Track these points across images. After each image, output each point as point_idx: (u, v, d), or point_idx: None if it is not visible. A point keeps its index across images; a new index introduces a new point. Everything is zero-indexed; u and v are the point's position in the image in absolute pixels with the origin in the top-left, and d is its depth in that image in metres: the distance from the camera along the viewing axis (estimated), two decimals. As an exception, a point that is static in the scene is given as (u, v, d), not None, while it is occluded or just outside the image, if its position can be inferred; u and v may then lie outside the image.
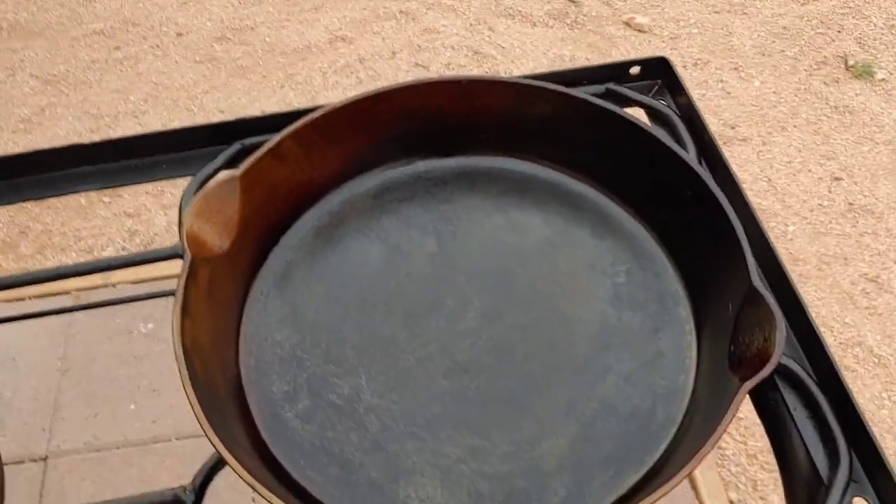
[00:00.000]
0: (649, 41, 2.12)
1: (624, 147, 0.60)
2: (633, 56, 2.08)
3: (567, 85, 0.66)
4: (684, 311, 0.56)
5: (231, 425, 0.50)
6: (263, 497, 0.43)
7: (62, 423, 1.50)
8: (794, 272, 1.69)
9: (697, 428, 0.50)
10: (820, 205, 1.80)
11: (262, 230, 0.59)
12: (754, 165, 1.86)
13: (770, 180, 1.84)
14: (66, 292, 1.65)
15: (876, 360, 1.57)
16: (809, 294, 1.66)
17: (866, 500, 0.50)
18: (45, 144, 1.95)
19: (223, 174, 0.56)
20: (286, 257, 0.60)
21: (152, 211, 1.80)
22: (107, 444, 1.46)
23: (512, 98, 0.62)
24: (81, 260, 1.74)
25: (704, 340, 0.54)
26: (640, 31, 2.15)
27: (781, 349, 0.46)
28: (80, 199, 1.87)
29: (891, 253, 1.70)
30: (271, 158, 0.58)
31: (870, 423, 0.51)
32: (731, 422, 0.45)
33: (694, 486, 1.40)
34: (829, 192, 1.81)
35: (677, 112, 0.71)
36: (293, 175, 0.60)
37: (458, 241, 0.60)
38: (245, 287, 0.58)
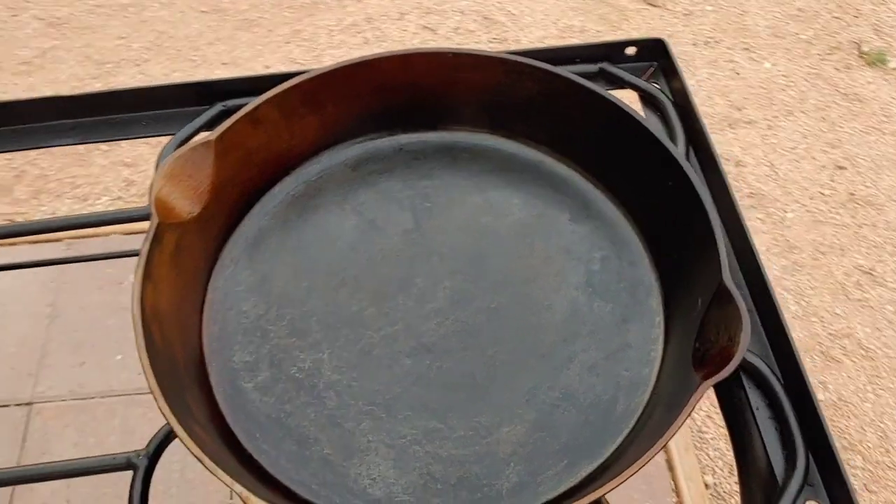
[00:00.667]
0: (662, 16, 2.09)
1: (609, 131, 0.59)
2: (643, 30, 2.05)
3: (560, 63, 0.65)
4: (655, 302, 0.56)
5: (187, 395, 0.49)
6: (210, 471, 0.43)
7: (48, 370, 1.50)
8: (788, 260, 1.68)
9: (656, 422, 0.49)
10: (821, 193, 1.78)
11: (235, 197, 0.58)
12: (758, 149, 1.84)
13: (772, 165, 1.82)
14: (59, 240, 1.64)
15: (863, 353, 1.57)
16: (802, 283, 1.65)
17: (819, 503, 0.49)
18: (45, 88, 1.94)
19: (197, 138, 0.55)
20: (259, 225, 0.59)
21: (150, 161, 1.79)
22: (91, 392, 1.47)
23: (499, 74, 0.61)
24: (76, 207, 1.73)
25: (672, 334, 0.54)
26: (653, 5, 2.12)
27: (744, 350, 0.45)
28: (80, 146, 1.85)
29: (888, 246, 1.69)
30: (248, 123, 0.57)
31: (830, 429, 0.50)
32: (686, 419, 0.44)
33: (671, 468, 1.40)
34: (832, 180, 1.80)
35: (670, 97, 0.69)
36: (271, 141, 0.59)
37: (434, 219, 0.60)
38: (214, 254, 0.57)
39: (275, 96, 0.57)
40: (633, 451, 0.49)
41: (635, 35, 1.95)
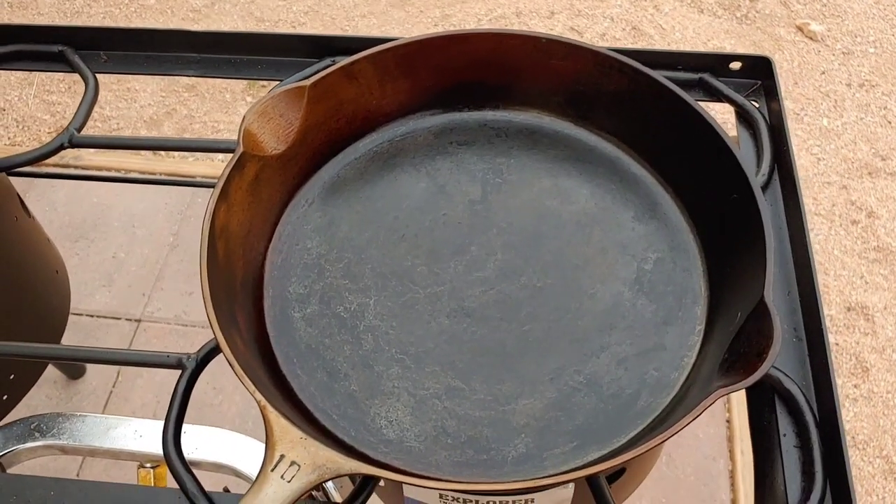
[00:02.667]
0: (818, 51, 2.01)
1: (688, 139, 0.59)
2: (796, 63, 1.98)
3: (661, 67, 0.66)
4: (700, 311, 0.56)
5: (238, 311, 0.53)
6: (238, 377, 0.47)
7: (161, 293, 1.62)
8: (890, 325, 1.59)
9: (671, 424, 0.49)
10: (956, 260, 1.68)
11: (320, 143, 0.62)
12: (894, 203, 1.75)
13: (908, 223, 1.73)
14: (192, 177, 1.76)
15: (971, 434, 1.47)
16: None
17: (829, 540, 0.49)
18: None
19: (292, 81, 0.59)
20: (337, 173, 0.63)
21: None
22: (194, 321, 1.57)
23: (590, 66, 0.62)
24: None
25: (708, 344, 0.54)
26: (811, 38, 2.04)
27: (769, 366, 0.45)
28: (227, 94, 1.97)
29: None
30: (343, 76, 0.61)
31: (851, 470, 0.49)
32: (690, 422, 0.44)
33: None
34: (971, 249, 1.69)
35: (766, 118, 0.68)
36: (362, 97, 0.63)
37: (501, 194, 0.62)
38: (291, 192, 0.61)
39: (372, 55, 0.61)
40: (641, 447, 0.49)
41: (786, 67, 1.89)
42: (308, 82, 0.59)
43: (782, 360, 0.56)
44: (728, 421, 1.47)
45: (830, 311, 1.57)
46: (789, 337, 0.57)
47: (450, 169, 0.63)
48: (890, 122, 1.87)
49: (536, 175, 0.62)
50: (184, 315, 1.58)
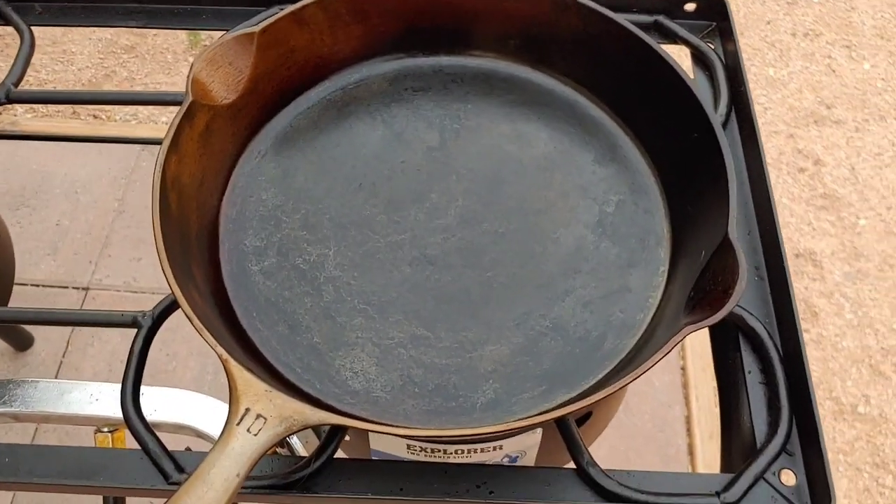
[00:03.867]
0: (763, 2, 2.02)
1: (647, 79, 0.58)
2: (742, 13, 1.99)
3: (616, 9, 0.65)
4: (663, 252, 0.55)
5: (194, 265, 0.52)
6: (197, 331, 0.45)
7: (108, 260, 1.58)
8: (852, 267, 1.63)
9: (639, 364, 0.49)
10: (900, 204, 1.72)
11: (271, 92, 0.60)
12: (841, 151, 1.78)
13: (853, 169, 1.76)
14: (135, 142, 1.71)
15: (915, 372, 1.52)
16: (863, 292, 1.60)
17: (794, 472, 0.49)
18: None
19: (242, 28, 0.57)
20: (290, 123, 0.61)
21: (232, 79, 1.84)
22: (144, 287, 1.54)
23: (546, 7, 0.60)
24: (156, 111, 1.79)
25: (673, 284, 0.54)
26: (756, -11, 2.05)
27: (736, 302, 0.45)
28: (168, 55, 1.92)
29: (961, 268, 1.63)
30: (293, 22, 0.59)
31: (817, 404, 0.50)
32: (660, 360, 0.44)
33: (691, 453, 1.40)
34: (914, 193, 1.73)
35: (722, 59, 0.68)
36: (313, 43, 0.61)
37: (460, 140, 0.60)
38: (243, 143, 0.59)
39: (322, 0, 0.59)
40: (609, 388, 0.49)
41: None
42: (257, 28, 0.57)
43: (745, 298, 0.56)
44: (683, 368, 1.50)
45: (780, 257, 1.59)
46: (752, 276, 0.57)
47: (406, 116, 0.62)
48: (834, 71, 1.90)
49: (494, 120, 0.61)
50: (133, 282, 1.55)
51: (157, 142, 0.54)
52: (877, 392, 1.51)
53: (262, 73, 0.58)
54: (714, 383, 1.53)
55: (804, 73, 1.89)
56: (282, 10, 0.67)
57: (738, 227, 0.59)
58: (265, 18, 0.67)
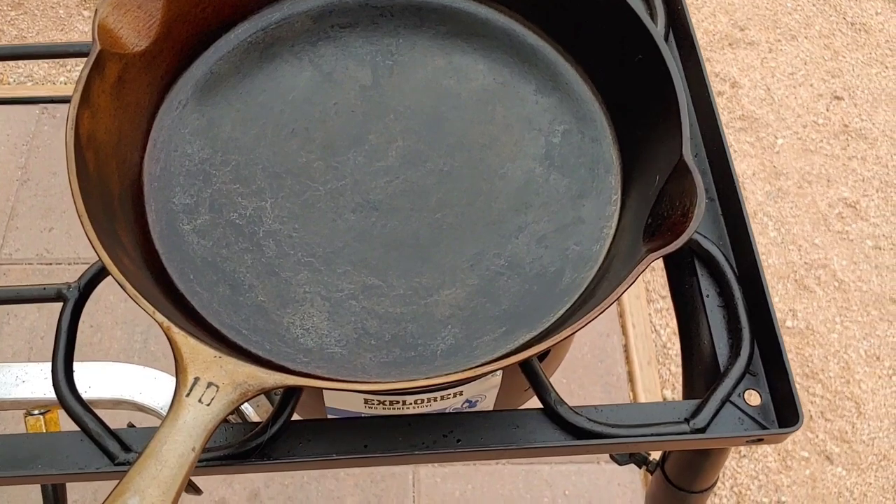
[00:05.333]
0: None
1: (586, 2, 0.56)
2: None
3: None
4: (614, 180, 0.54)
5: (120, 229, 0.48)
6: (132, 298, 0.42)
7: (16, 233, 1.49)
8: (773, 186, 1.67)
9: (600, 297, 0.48)
10: (815, 122, 1.75)
11: (187, 36, 0.55)
12: (756, 72, 1.80)
13: (769, 89, 1.78)
14: (34, 103, 1.61)
15: (837, 285, 1.57)
16: (784, 210, 1.64)
17: (758, 392, 0.49)
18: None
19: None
20: (210, 69, 0.56)
21: (132, 32, 1.74)
22: (59, 258, 1.46)
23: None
24: (53, 71, 1.69)
25: (627, 212, 0.52)
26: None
27: (696, 225, 0.43)
28: (60, 9, 1.80)
29: (875, 180, 1.68)
30: (204, -42, 0.54)
31: (778, 323, 0.49)
32: (626, 290, 0.43)
33: (631, 380, 1.42)
34: (827, 110, 1.76)
35: (655, -23, 0.66)
36: (228, -19, 0.56)
37: (394, 77, 0.57)
38: (161, 93, 0.55)
39: (235, -70, 0.54)
40: (571, 324, 0.48)
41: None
42: None
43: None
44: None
45: (705, 182, 1.61)
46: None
47: (334, 54, 0.58)
48: (745, -7, 1.91)
49: (429, 53, 0.58)
50: (46, 253, 1.46)
51: (61, 100, 0.49)
52: (803, 306, 1.56)
53: (175, 16, 0.54)
54: (649, 310, 1.54)
55: (717, -5, 1.90)
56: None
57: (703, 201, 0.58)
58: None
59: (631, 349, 1.46)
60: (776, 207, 1.65)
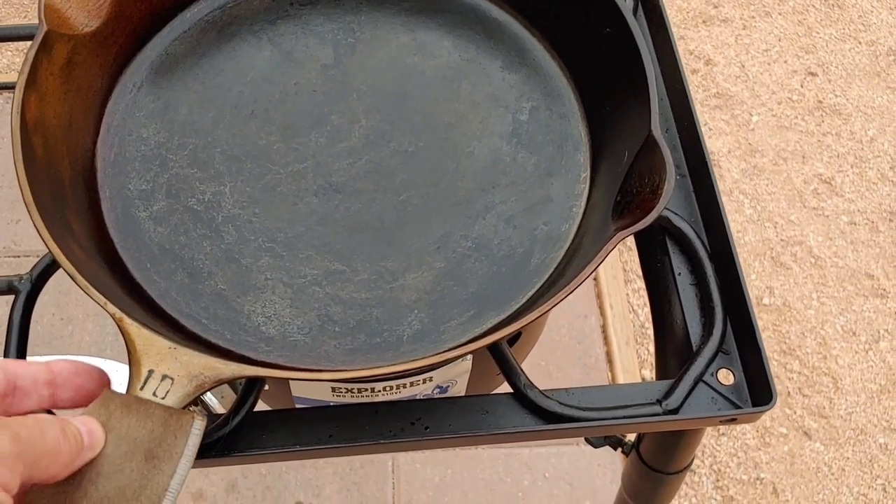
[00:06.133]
0: None
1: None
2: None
3: None
4: (582, 158, 0.52)
5: (71, 216, 0.46)
6: (83, 289, 0.40)
7: (-18, 225, 1.46)
8: (748, 163, 1.66)
9: (569, 278, 0.47)
10: (789, 98, 1.75)
11: (140, 16, 0.53)
12: (730, 49, 1.79)
13: (743, 66, 1.78)
14: (-2, 92, 1.57)
15: (813, 261, 1.57)
16: (760, 187, 1.64)
17: (732, 371, 0.48)
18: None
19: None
20: (166, 49, 0.54)
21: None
22: (28, 251, 1.43)
23: None
24: (17, 60, 1.65)
25: (597, 191, 0.51)
26: None
27: (667, 201, 0.42)
28: (23, -5, 1.76)
29: (849, 156, 1.68)
30: (155, -66, 0.52)
31: (751, 300, 0.49)
32: (595, 268, 0.42)
33: (610, 360, 1.41)
34: (801, 86, 1.76)
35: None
36: (182, -42, 0.54)
37: (356, 55, 0.55)
38: (114, 75, 0.53)
39: None
40: (540, 305, 0.46)
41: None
42: None
43: (671, 200, 0.54)
44: (595, 278, 1.50)
45: (680, 160, 1.60)
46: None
47: (294, 33, 0.56)
48: (719, -31, 1.90)
49: (392, 30, 0.57)
50: (13, 245, 1.44)
51: (10, 86, 0.47)
52: (779, 283, 1.56)
53: (126, -5, 0.52)
54: (626, 290, 1.54)
55: (690, -27, 1.89)
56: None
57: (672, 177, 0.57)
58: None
59: (609, 330, 1.45)
60: (752, 185, 1.65)
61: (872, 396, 1.45)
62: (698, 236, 0.52)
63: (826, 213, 1.62)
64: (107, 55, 0.52)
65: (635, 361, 1.42)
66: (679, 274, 0.52)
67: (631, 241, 0.57)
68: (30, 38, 0.58)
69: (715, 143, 1.68)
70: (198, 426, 0.37)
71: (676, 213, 0.53)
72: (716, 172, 1.62)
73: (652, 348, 1.46)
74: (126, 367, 0.65)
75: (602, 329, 1.46)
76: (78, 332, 1.35)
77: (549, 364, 1.43)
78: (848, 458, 1.40)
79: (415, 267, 0.48)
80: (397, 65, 0.55)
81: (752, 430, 1.44)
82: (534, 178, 0.52)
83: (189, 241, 0.48)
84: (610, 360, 1.42)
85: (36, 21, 0.47)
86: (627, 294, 1.50)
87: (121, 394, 0.37)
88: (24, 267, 0.51)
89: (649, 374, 1.43)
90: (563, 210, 0.51)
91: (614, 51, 0.51)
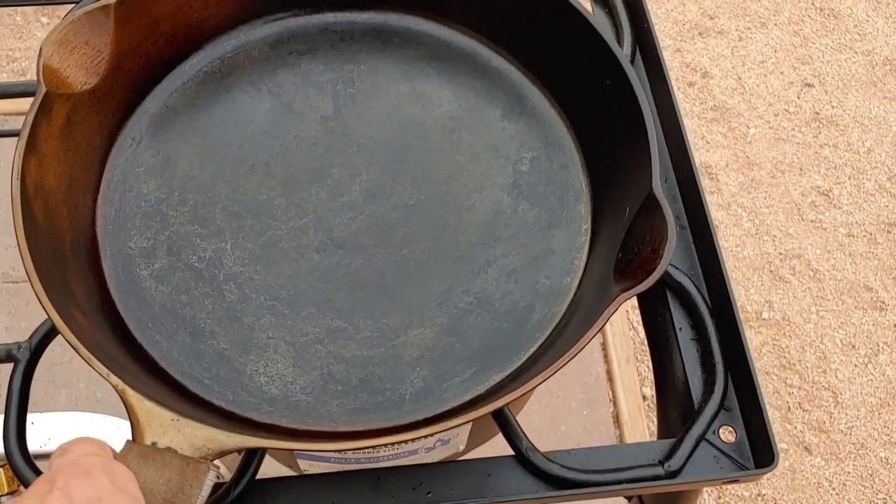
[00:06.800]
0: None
1: (551, 24, 0.54)
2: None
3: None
4: (584, 209, 0.52)
5: (72, 279, 0.46)
6: (85, 360, 0.40)
7: (-20, 248, 1.45)
8: (746, 177, 1.66)
9: (571, 333, 0.47)
10: (786, 110, 1.75)
11: (138, 70, 0.53)
12: (727, 61, 1.79)
13: (740, 79, 1.78)
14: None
15: (812, 274, 1.57)
16: (758, 200, 1.64)
17: (733, 429, 0.48)
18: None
19: (89, 7, 0.50)
20: (165, 103, 0.54)
21: (94, 36, 1.70)
22: (24, 277, 1.43)
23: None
24: (13, 80, 1.65)
25: (598, 243, 0.51)
26: None
27: (667, 263, 0.42)
28: (17, 16, 1.76)
29: (847, 168, 1.68)
30: (153, -12, 0.52)
31: (752, 355, 0.48)
32: (598, 331, 0.42)
33: (610, 378, 1.41)
34: (798, 98, 1.76)
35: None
36: (180, 10, 0.54)
37: (356, 106, 0.55)
38: (113, 131, 0.53)
39: (184, -41, 0.52)
40: (543, 363, 0.46)
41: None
42: (113, 0, 0.50)
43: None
44: (595, 295, 1.50)
45: (678, 175, 1.60)
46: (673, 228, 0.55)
47: (294, 83, 0.56)
48: (714, -19, 1.90)
49: (391, 80, 0.57)
50: (12, 271, 1.43)
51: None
52: (778, 297, 1.56)
53: (125, 50, 0.51)
54: (626, 307, 1.53)
55: (686, -15, 1.89)
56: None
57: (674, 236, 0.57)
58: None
59: (609, 347, 1.45)
60: (750, 198, 1.65)
61: (872, 410, 1.45)
62: (699, 290, 0.52)
63: (824, 226, 1.62)
64: (106, 111, 0.52)
65: (636, 379, 1.42)
66: (680, 329, 0.52)
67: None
68: (23, 95, 0.58)
69: (713, 157, 1.68)
70: (212, 476, 0.38)
71: (677, 267, 0.53)
72: (714, 186, 1.62)
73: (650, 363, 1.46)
74: (125, 424, 0.65)
75: (602, 346, 1.46)
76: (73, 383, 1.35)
77: (550, 383, 1.43)
78: (849, 473, 1.40)
79: (417, 323, 0.48)
80: (397, 115, 0.55)
81: (753, 444, 1.44)
82: (535, 230, 0.52)
83: (191, 300, 0.48)
84: (610, 379, 1.42)
85: (37, 47, 0.47)
86: (627, 311, 1.49)
87: (138, 445, 0.38)
88: (24, 293, 0.51)
89: (650, 391, 1.44)
90: (564, 263, 0.51)
91: (614, 102, 0.51)
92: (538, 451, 0.46)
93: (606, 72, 0.51)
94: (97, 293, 0.48)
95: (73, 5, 0.59)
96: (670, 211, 0.44)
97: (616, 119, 0.51)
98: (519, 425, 0.47)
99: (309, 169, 0.53)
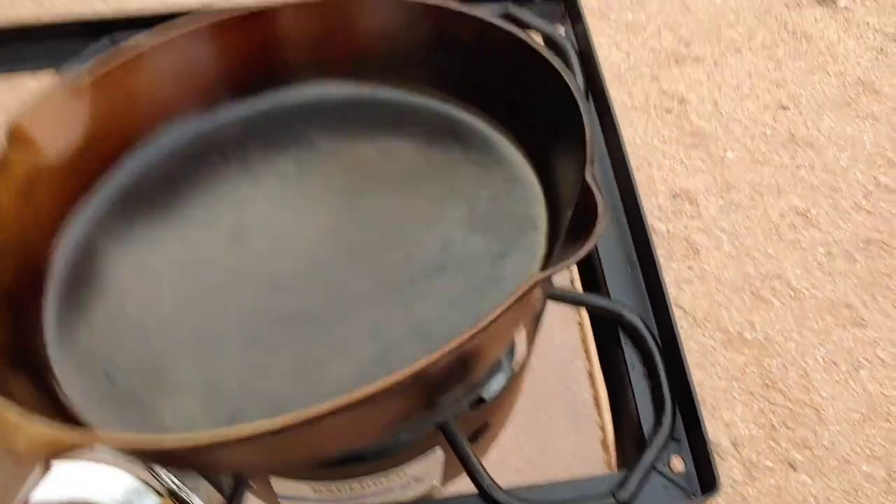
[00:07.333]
0: (614, -55, 2.04)
1: (518, 75, 0.55)
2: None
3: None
4: (541, 237, 0.52)
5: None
6: None
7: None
8: (725, 200, 1.69)
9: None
10: (762, 133, 1.77)
11: (112, 145, 0.55)
12: (703, 87, 1.82)
13: (717, 104, 1.81)
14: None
15: (792, 294, 1.59)
16: (737, 223, 1.66)
17: (682, 458, 0.49)
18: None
19: (66, 81, 0.51)
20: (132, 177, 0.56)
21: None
22: None
23: (397, 17, 0.57)
24: None
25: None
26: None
27: (599, 233, 0.41)
28: None
29: (823, 188, 1.70)
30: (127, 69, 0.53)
31: (695, 386, 0.50)
32: (502, 311, 0.39)
33: (597, 404, 1.42)
34: (774, 120, 1.79)
35: (574, 44, 0.67)
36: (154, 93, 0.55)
37: (315, 165, 0.57)
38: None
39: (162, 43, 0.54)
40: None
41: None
42: (87, 78, 0.51)
43: (621, 290, 0.55)
44: (579, 324, 1.52)
45: (658, 200, 1.62)
46: (624, 266, 0.56)
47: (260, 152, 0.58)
48: (689, 8, 1.93)
49: (355, 142, 0.58)
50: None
51: None
52: (760, 317, 1.57)
53: (99, 127, 0.53)
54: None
55: (661, 13, 1.92)
56: (112, 40, 0.62)
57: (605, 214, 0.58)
58: (99, 52, 0.62)
59: (595, 373, 1.46)
60: (729, 221, 1.67)
61: (854, 425, 1.46)
62: (648, 329, 0.53)
63: (803, 246, 1.64)
64: (76, 184, 0.53)
65: (619, 404, 1.43)
66: (633, 367, 0.53)
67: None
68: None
69: (692, 181, 1.71)
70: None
71: (628, 307, 0.54)
72: (695, 211, 1.64)
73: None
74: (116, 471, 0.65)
75: (588, 373, 1.47)
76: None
77: (538, 409, 1.44)
78: (834, 489, 1.41)
79: (340, 356, 0.47)
80: (357, 169, 0.56)
81: (739, 464, 1.45)
82: (485, 260, 0.51)
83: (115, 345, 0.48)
84: (598, 405, 1.42)
85: None
86: (608, 337, 1.51)
87: None
88: None
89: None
90: (513, 288, 0.51)
91: (572, 143, 0.51)
92: (499, 487, 0.47)
93: (563, 109, 0.51)
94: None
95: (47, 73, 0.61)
96: (598, 190, 0.43)
97: (570, 155, 0.51)
98: (479, 462, 0.48)
99: (256, 220, 0.54)
